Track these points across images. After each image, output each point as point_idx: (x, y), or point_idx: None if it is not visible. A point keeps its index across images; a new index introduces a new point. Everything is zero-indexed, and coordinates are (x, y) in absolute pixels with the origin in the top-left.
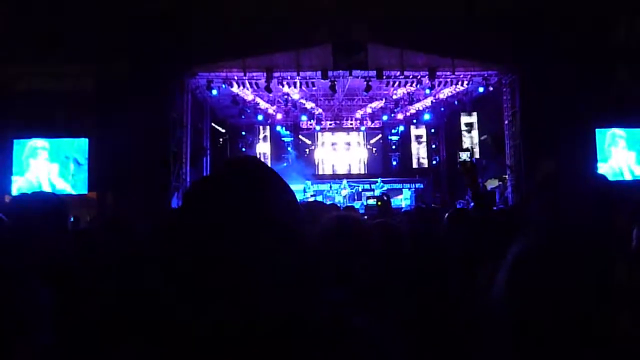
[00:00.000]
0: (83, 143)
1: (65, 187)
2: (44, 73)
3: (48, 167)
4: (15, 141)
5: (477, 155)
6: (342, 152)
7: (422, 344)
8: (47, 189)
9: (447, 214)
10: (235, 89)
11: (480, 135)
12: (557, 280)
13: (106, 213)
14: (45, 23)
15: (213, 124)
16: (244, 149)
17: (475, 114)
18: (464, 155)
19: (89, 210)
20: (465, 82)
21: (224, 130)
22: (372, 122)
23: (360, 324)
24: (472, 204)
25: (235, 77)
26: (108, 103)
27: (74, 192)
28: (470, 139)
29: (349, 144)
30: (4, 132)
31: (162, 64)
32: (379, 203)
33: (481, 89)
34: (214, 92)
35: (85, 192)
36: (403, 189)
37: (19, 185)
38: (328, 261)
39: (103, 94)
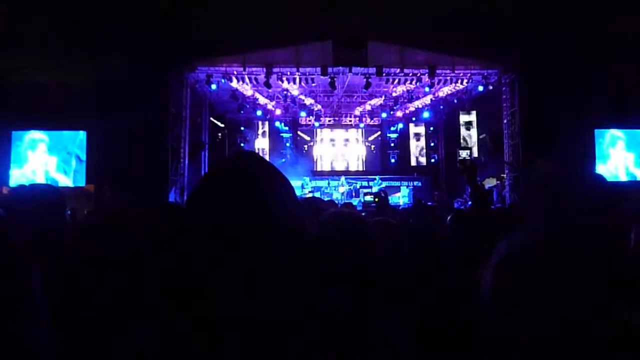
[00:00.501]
0: (82, 136)
1: (64, 180)
2: (43, 65)
3: (46, 159)
4: (13, 133)
5: (475, 154)
6: (340, 148)
7: (423, 343)
8: (43, 181)
9: (450, 215)
10: (234, 83)
11: (479, 134)
12: (554, 281)
13: (104, 206)
14: (46, 17)
15: (212, 119)
16: (242, 144)
17: (474, 112)
18: (464, 154)
19: (87, 202)
20: (465, 81)
21: (222, 125)
22: (371, 119)
23: (370, 325)
24: (469, 202)
25: (235, 72)
26: (107, 96)
27: (72, 185)
28: (469, 138)
29: (347, 140)
30: (2, 124)
31: (162, 57)
32: (377, 199)
33: (481, 88)
34: (213, 86)
35: (83, 184)
36: (401, 187)
37: (16, 177)
38: (328, 259)
39: (102, 87)
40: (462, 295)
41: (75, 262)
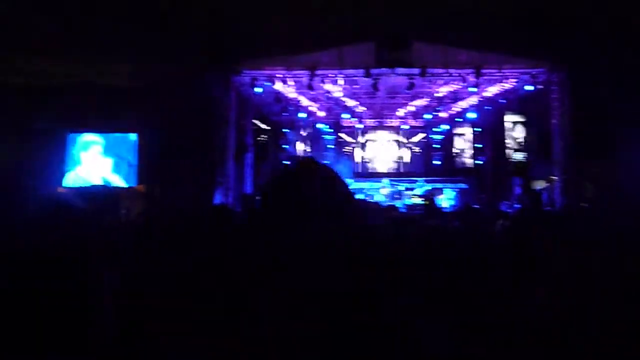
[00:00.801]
0: (133, 138)
1: (118, 181)
2: (96, 69)
3: (101, 161)
4: (69, 135)
5: (524, 156)
6: (383, 150)
7: (468, 344)
8: (98, 182)
9: (503, 218)
10: (278, 86)
11: (527, 134)
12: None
13: (154, 206)
14: (98, 21)
15: (255, 121)
16: (285, 146)
17: (522, 112)
18: (518, 156)
19: (138, 202)
20: (513, 80)
21: (266, 127)
22: (415, 120)
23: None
24: (516, 205)
25: (278, 75)
26: (157, 99)
27: (125, 185)
28: (517, 139)
29: (390, 142)
30: (57, 126)
31: (209, 61)
32: (427, 202)
33: (529, 87)
34: (258, 89)
35: (134, 184)
36: (445, 189)
37: (71, 178)
38: (389, 263)
39: (153, 90)
40: (511, 296)
41: (131, 261)
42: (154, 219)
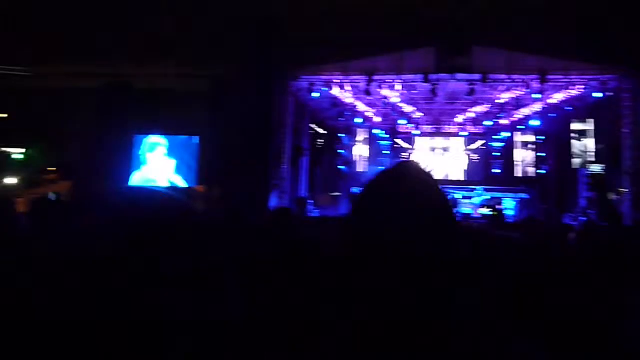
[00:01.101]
0: (195, 140)
1: (180, 181)
2: (161, 75)
3: (165, 162)
4: (135, 137)
5: (602, 168)
6: (440, 157)
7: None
8: (163, 182)
9: (576, 232)
10: (335, 91)
11: (596, 144)
12: None
13: (213, 207)
14: (162, 28)
15: (312, 126)
16: (341, 151)
17: (590, 121)
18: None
19: (198, 202)
20: (580, 87)
21: (323, 132)
22: (474, 127)
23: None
24: (581, 218)
25: (335, 80)
26: (218, 104)
27: (186, 185)
28: (583, 148)
29: (447, 149)
30: (124, 128)
31: (268, 67)
32: (495, 213)
33: (598, 95)
34: (315, 94)
35: (194, 185)
36: (505, 199)
37: (137, 178)
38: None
39: (213, 95)
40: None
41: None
42: (222, 220)
